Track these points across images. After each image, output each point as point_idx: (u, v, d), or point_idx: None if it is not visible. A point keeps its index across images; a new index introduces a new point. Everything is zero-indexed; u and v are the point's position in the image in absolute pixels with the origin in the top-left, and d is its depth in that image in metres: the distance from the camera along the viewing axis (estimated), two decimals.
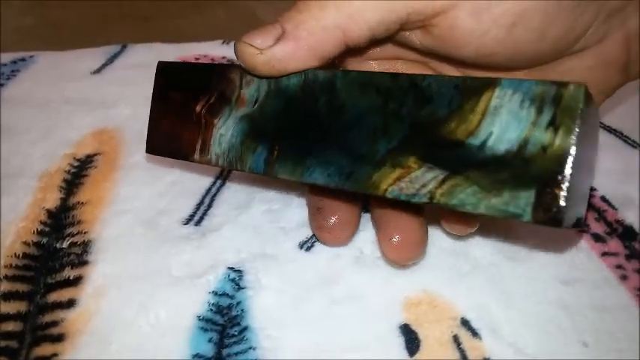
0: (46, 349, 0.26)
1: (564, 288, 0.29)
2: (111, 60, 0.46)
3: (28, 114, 0.40)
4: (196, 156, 0.28)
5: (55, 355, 0.26)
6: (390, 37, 0.25)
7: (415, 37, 0.25)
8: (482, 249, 0.30)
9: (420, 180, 0.21)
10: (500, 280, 0.29)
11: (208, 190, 0.34)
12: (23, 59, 0.46)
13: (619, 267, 0.30)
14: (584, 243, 0.31)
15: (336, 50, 0.24)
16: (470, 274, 0.29)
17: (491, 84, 0.21)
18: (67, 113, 0.40)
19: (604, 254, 0.31)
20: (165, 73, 0.30)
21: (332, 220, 0.29)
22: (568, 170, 0.19)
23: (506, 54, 0.24)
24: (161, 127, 0.29)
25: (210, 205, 0.33)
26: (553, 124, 0.19)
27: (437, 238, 0.31)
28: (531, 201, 0.19)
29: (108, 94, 0.42)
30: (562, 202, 0.19)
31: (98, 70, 0.45)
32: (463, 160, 0.21)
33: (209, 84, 0.28)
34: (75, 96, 0.42)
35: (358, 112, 0.23)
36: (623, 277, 0.29)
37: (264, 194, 0.34)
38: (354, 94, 0.23)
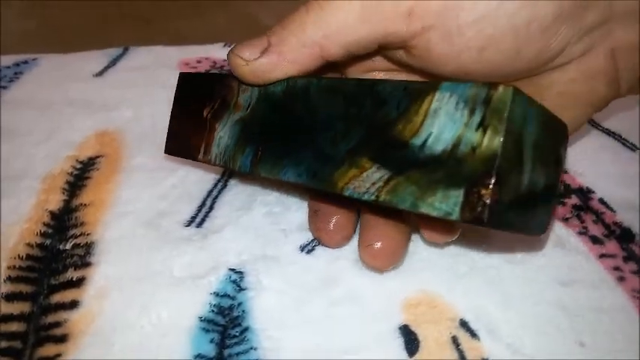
0: (49, 349, 0.26)
1: (562, 289, 0.29)
2: (113, 62, 0.46)
3: (30, 116, 0.40)
4: (201, 156, 0.30)
5: (59, 355, 0.26)
6: (374, 53, 0.27)
7: (399, 55, 0.27)
8: (480, 251, 0.31)
9: (370, 179, 0.23)
10: (498, 281, 0.29)
11: (210, 193, 0.34)
12: (26, 62, 0.46)
13: (616, 269, 0.30)
14: (583, 245, 0.31)
15: (314, 63, 0.26)
16: (468, 276, 0.29)
17: (433, 87, 0.22)
18: (69, 115, 0.40)
19: (602, 256, 0.31)
20: (185, 81, 0.32)
21: (330, 223, 0.30)
22: (495, 170, 0.19)
23: (483, 72, 0.25)
24: (177, 131, 0.32)
25: (211, 207, 0.33)
26: (482, 125, 0.20)
27: None
28: (460, 200, 0.20)
29: (110, 96, 0.42)
30: (488, 201, 0.19)
31: (100, 73, 0.45)
32: (406, 160, 0.22)
33: (214, 91, 0.30)
34: (77, 98, 0.42)
35: (327, 115, 0.25)
36: (621, 279, 0.30)
37: (265, 197, 0.34)
38: (324, 99, 0.25)
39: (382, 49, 0.26)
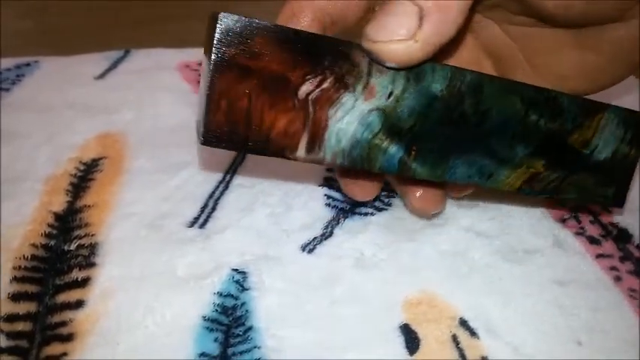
0: (55, 348, 0.27)
1: (560, 289, 0.29)
2: (114, 65, 0.46)
3: (32, 118, 0.41)
4: (300, 153, 0.23)
5: (65, 354, 0.26)
6: None
7: None
8: (480, 251, 0.31)
9: (547, 179, 0.27)
10: (497, 280, 0.30)
11: (212, 194, 0.35)
12: (28, 64, 0.47)
13: (613, 269, 0.31)
14: (580, 245, 0.32)
15: (465, 15, 0.21)
16: (468, 275, 0.30)
17: (602, 108, 0.27)
18: (71, 118, 0.41)
19: (599, 256, 0.31)
20: (240, 33, 0.22)
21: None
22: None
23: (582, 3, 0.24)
24: (232, 110, 0.22)
25: (214, 209, 0.34)
26: (631, 141, 0.28)
27: (436, 241, 0.31)
28: (611, 193, 0.29)
29: (111, 98, 0.42)
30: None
31: (101, 76, 0.45)
32: (577, 165, 0.28)
33: (319, 62, 0.22)
34: (79, 101, 0.42)
35: (502, 117, 0.25)
36: (617, 279, 0.30)
37: (267, 198, 0.34)
38: (500, 100, 0.25)
39: None
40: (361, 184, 0.30)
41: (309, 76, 0.22)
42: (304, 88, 0.22)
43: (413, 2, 0.21)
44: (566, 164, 0.27)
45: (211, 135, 0.22)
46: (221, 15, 0.22)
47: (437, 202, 0.31)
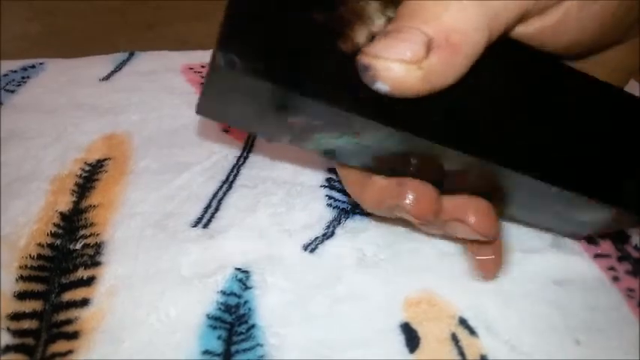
0: (61, 346, 0.27)
1: (558, 288, 0.30)
2: (119, 67, 0.47)
3: (38, 119, 0.41)
4: None
5: (70, 352, 0.27)
6: None
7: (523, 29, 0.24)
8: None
9: None
10: (496, 280, 0.30)
11: (215, 194, 0.35)
12: (33, 66, 0.47)
13: (611, 268, 0.31)
14: (578, 245, 0.32)
15: (479, 54, 0.21)
16: (467, 275, 0.30)
17: None
18: (77, 119, 0.41)
19: (597, 256, 0.32)
20: None
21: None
22: None
23: (593, 38, 0.24)
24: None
25: (217, 209, 0.34)
26: None
27: (436, 241, 0.32)
28: None
29: (116, 100, 0.43)
30: None
31: (107, 77, 0.46)
32: None
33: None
34: (84, 102, 0.43)
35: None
36: (615, 279, 0.31)
37: (269, 198, 0.35)
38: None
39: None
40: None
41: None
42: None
43: (416, 29, 0.20)
44: None
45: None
46: None
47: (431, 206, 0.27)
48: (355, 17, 0.21)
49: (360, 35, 0.21)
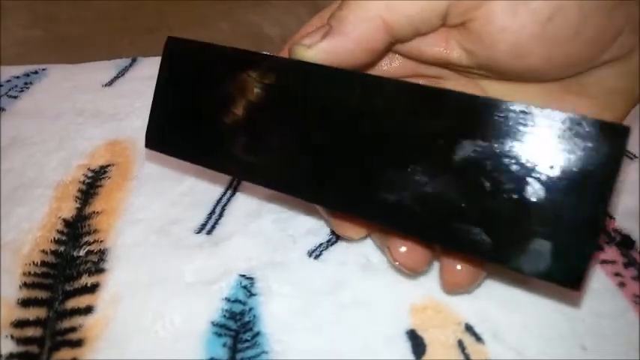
0: (65, 353, 0.27)
1: (564, 294, 0.30)
2: (122, 73, 0.47)
3: (41, 125, 0.41)
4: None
5: (75, 359, 0.27)
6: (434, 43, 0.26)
7: (454, 39, 0.25)
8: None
9: None
10: (502, 286, 0.30)
11: (219, 200, 0.35)
12: (36, 72, 0.47)
13: (617, 274, 0.31)
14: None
15: (381, 42, 0.25)
16: None
17: None
18: (80, 125, 0.41)
19: (603, 262, 0.32)
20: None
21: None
22: None
23: (541, 54, 0.24)
24: None
25: (221, 215, 0.34)
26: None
27: None
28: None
29: (119, 106, 0.43)
30: None
31: (110, 83, 0.46)
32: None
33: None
34: (87, 108, 0.43)
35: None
36: (621, 285, 0.30)
37: (273, 204, 0.35)
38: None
39: (443, 25, 0.25)
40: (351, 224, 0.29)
41: None
42: None
43: (328, 23, 0.25)
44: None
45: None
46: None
47: (423, 261, 0.28)
48: (236, 91, 0.26)
49: (239, 108, 0.26)
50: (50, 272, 0.31)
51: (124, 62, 0.48)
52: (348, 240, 0.32)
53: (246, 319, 0.28)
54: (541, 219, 0.20)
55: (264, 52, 0.27)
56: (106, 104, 0.43)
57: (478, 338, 0.28)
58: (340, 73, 0.24)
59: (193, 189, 0.36)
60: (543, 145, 0.20)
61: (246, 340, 0.27)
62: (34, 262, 0.31)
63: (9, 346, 0.27)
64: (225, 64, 0.27)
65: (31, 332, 0.28)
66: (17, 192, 0.35)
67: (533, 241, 0.20)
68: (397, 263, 0.27)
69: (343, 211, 0.26)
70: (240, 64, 0.26)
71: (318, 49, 0.25)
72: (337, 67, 0.25)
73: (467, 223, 0.21)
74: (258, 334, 0.28)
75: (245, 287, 0.30)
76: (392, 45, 0.26)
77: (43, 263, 0.31)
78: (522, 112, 0.21)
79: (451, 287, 0.28)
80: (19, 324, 0.28)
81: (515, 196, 0.21)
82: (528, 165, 0.21)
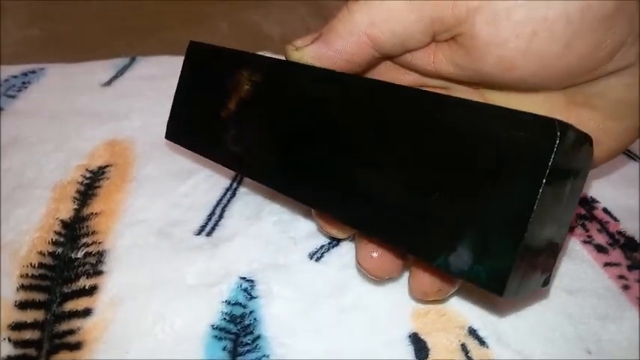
0: (64, 356, 0.27)
1: (568, 297, 0.29)
2: (121, 72, 0.46)
3: (39, 125, 0.41)
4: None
5: None
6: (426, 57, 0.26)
7: (443, 54, 0.25)
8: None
9: None
10: None
11: (219, 202, 0.35)
12: (34, 71, 0.47)
13: (621, 277, 0.31)
14: (587, 254, 0.32)
15: (364, 55, 0.26)
16: None
17: None
18: (78, 125, 0.41)
19: (606, 265, 0.31)
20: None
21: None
22: None
23: (530, 68, 0.23)
24: None
25: (221, 216, 0.34)
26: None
27: None
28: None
29: (118, 105, 0.43)
30: None
31: (108, 83, 0.45)
32: None
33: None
34: (86, 108, 0.43)
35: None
36: (625, 287, 0.30)
37: (274, 206, 0.34)
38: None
39: (433, 41, 0.25)
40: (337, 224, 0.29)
41: None
42: None
43: (322, 30, 0.26)
44: None
45: None
46: None
47: (393, 267, 0.27)
48: (232, 88, 0.28)
49: (232, 103, 0.28)
50: (48, 274, 0.30)
51: (122, 62, 0.48)
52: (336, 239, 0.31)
53: (247, 322, 0.28)
54: (468, 217, 0.20)
55: (261, 53, 0.29)
56: (104, 104, 0.43)
57: (482, 342, 0.27)
58: (323, 72, 0.26)
59: (193, 190, 0.35)
60: (476, 140, 0.20)
61: (247, 344, 0.27)
62: (31, 264, 0.31)
63: (6, 350, 0.27)
64: (226, 64, 0.29)
65: (28, 335, 0.28)
66: (16, 192, 0.35)
67: (460, 239, 0.20)
68: (365, 267, 0.27)
69: (315, 207, 0.28)
70: (237, 63, 0.29)
71: (304, 51, 0.26)
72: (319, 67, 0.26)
73: (404, 219, 0.21)
74: (258, 337, 0.27)
75: (245, 290, 0.29)
76: (380, 59, 0.27)
77: (41, 265, 0.31)
78: (458, 105, 0.21)
79: (418, 294, 0.27)
80: (17, 326, 0.28)
81: (445, 193, 0.20)
82: (459, 160, 0.20)
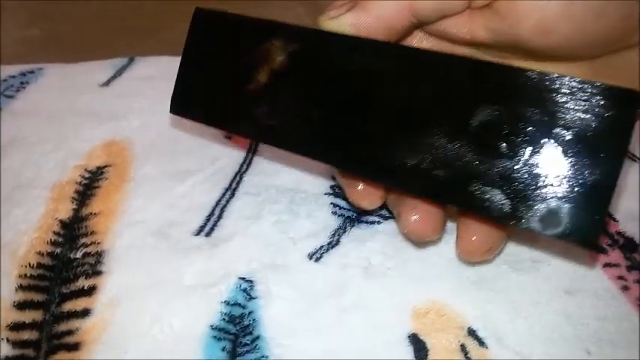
0: (62, 357, 0.27)
1: (568, 298, 0.29)
2: (119, 72, 0.46)
3: (38, 125, 0.41)
4: None
5: None
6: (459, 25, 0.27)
7: (479, 20, 0.26)
8: (487, 260, 0.31)
9: None
10: (505, 290, 0.29)
11: (218, 202, 0.34)
12: (32, 71, 0.47)
13: (620, 278, 0.31)
14: (587, 254, 0.32)
15: (403, 22, 0.26)
16: (476, 285, 0.30)
17: None
18: (77, 125, 0.41)
19: (606, 265, 0.31)
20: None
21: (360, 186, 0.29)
22: None
23: (565, 32, 0.24)
24: None
25: (220, 217, 0.33)
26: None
27: (444, 249, 0.31)
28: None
29: (117, 106, 0.42)
30: None
31: (107, 83, 0.45)
32: None
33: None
34: (84, 108, 0.42)
35: None
36: (625, 288, 0.30)
37: (273, 206, 0.34)
38: None
39: (468, 7, 0.26)
40: (366, 190, 0.29)
41: None
42: None
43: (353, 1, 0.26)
44: None
45: None
46: None
47: (435, 227, 0.28)
48: (260, 59, 0.27)
49: (262, 75, 0.27)
50: (46, 274, 0.30)
51: (120, 62, 0.48)
52: (363, 209, 0.31)
53: (246, 322, 0.28)
54: (557, 180, 0.21)
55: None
56: (102, 104, 0.43)
57: (481, 342, 0.27)
58: (362, 41, 0.25)
59: (192, 190, 0.35)
60: (559, 110, 0.21)
61: (246, 344, 0.27)
62: (30, 264, 0.31)
63: (5, 350, 0.27)
64: (249, 34, 0.28)
65: (27, 335, 0.27)
66: (15, 192, 0.35)
67: (549, 202, 0.21)
68: (405, 230, 0.28)
69: (362, 175, 0.28)
70: (264, 33, 0.27)
71: (341, 21, 0.26)
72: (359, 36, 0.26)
73: (484, 185, 0.22)
74: (258, 337, 0.27)
75: (245, 290, 0.29)
76: (416, 26, 0.27)
77: (39, 265, 0.31)
78: (538, 77, 0.22)
79: (467, 255, 0.28)
80: (15, 327, 0.28)
81: (531, 159, 0.22)
82: (544, 128, 0.21)
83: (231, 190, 0.35)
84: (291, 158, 0.37)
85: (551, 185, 0.21)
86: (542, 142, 0.21)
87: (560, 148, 0.21)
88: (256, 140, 0.29)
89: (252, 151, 0.38)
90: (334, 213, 0.34)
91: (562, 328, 0.28)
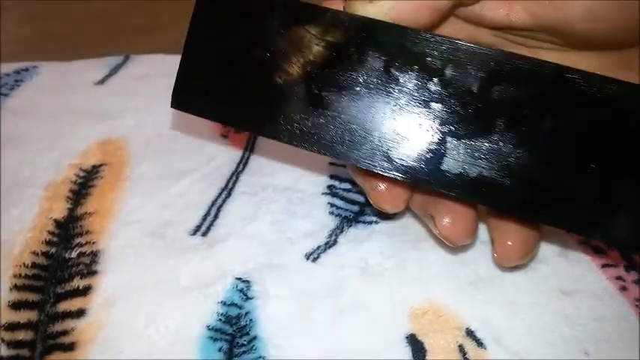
0: (57, 357, 0.26)
1: (566, 298, 0.29)
2: (114, 71, 0.46)
3: (32, 124, 0.40)
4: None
5: None
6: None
7: (521, 3, 0.25)
8: (486, 260, 0.31)
9: None
10: (503, 290, 0.29)
11: (214, 202, 0.34)
12: (27, 69, 0.46)
13: (618, 278, 0.31)
14: (585, 254, 0.32)
15: (446, 4, 0.24)
16: (474, 285, 0.30)
17: None
18: (71, 124, 0.40)
19: (604, 266, 0.31)
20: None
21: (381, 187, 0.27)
22: None
23: (613, 20, 0.23)
24: None
25: (216, 216, 0.33)
26: None
27: (442, 249, 0.31)
28: None
29: (112, 104, 0.42)
30: None
31: (102, 81, 0.45)
32: None
33: None
34: (79, 106, 0.42)
35: None
36: (623, 288, 0.30)
37: (270, 205, 0.34)
38: None
39: None
40: (389, 192, 0.27)
41: None
42: None
43: None
44: None
45: None
46: None
47: (470, 230, 0.27)
48: (293, 48, 0.24)
49: (294, 67, 0.24)
50: (41, 274, 0.30)
51: (116, 60, 0.47)
52: (384, 212, 0.29)
53: (243, 323, 0.28)
54: (624, 192, 0.21)
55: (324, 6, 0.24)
56: (98, 103, 0.42)
57: (479, 343, 0.27)
58: (417, 33, 0.23)
59: (188, 190, 0.35)
60: (626, 119, 0.21)
61: (243, 345, 0.27)
62: (24, 264, 0.30)
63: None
64: (275, 18, 0.24)
65: (21, 335, 0.27)
66: (10, 192, 0.35)
67: (616, 213, 0.21)
68: (439, 234, 0.27)
69: (418, 183, 0.24)
70: (295, 18, 0.24)
71: (383, 5, 0.23)
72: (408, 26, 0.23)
73: (553, 197, 0.22)
74: (254, 338, 0.27)
75: (241, 290, 0.29)
76: (456, 7, 0.25)
77: (34, 265, 0.30)
78: (604, 84, 0.21)
79: (504, 260, 0.28)
80: (10, 327, 0.28)
81: (599, 170, 0.21)
82: (613, 139, 0.21)
83: (227, 189, 0.35)
84: (287, 158, 0.36)
85: (618, 197, 0.21)
86: (609, 152, 0.21)
87: (628, 160, 0.21)
88: (283, 141, 0.24)
89: (248, 150, 0.38)
90: (331, 213, 0.34)
91: (560, 329, 0.28)
